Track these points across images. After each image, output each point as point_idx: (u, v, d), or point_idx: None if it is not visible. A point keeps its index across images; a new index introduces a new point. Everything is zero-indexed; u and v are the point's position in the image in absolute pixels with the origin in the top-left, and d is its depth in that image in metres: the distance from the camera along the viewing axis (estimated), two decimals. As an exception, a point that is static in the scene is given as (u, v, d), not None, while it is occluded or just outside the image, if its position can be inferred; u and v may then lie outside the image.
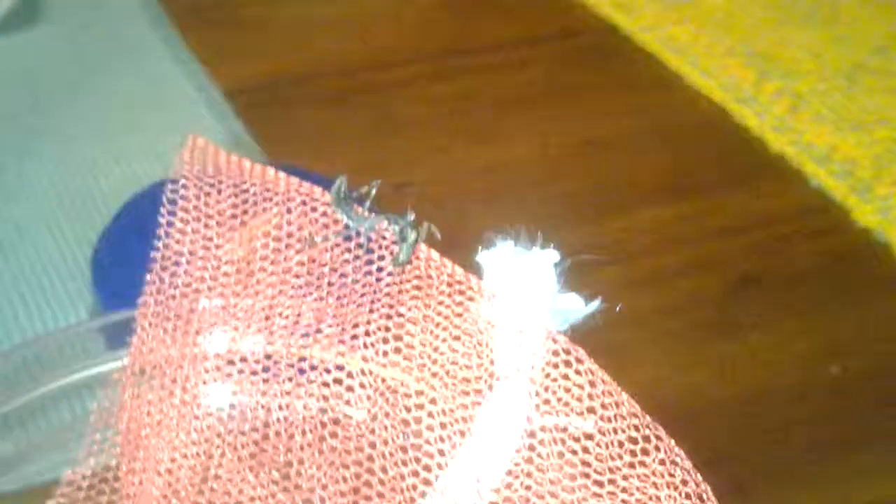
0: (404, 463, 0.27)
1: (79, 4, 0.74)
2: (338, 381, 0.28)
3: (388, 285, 0.27)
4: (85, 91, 0.67)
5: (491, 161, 0.62)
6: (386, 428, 0.27)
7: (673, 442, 0.25)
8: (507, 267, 0.27)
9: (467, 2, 0.77)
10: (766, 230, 0.59)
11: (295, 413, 0.28)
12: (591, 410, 0.25)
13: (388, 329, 0.27)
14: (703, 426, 0.47)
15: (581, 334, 0.27)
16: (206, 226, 0.29)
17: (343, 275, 0.28)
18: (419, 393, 0.27)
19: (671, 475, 0.25)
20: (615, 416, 0.25)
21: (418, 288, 0.27)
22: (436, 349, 0.27)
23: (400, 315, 0.27)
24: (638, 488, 0.25)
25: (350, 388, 0.27)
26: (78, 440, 0.35)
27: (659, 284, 0.55)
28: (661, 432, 0.25)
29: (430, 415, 0.27)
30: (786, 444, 0.47)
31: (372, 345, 0.27)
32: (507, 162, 0.62)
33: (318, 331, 0.28)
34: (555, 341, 0.26)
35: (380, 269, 0.28)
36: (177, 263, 0.29)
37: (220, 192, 0.29)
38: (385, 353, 0.27)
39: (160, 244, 0.29)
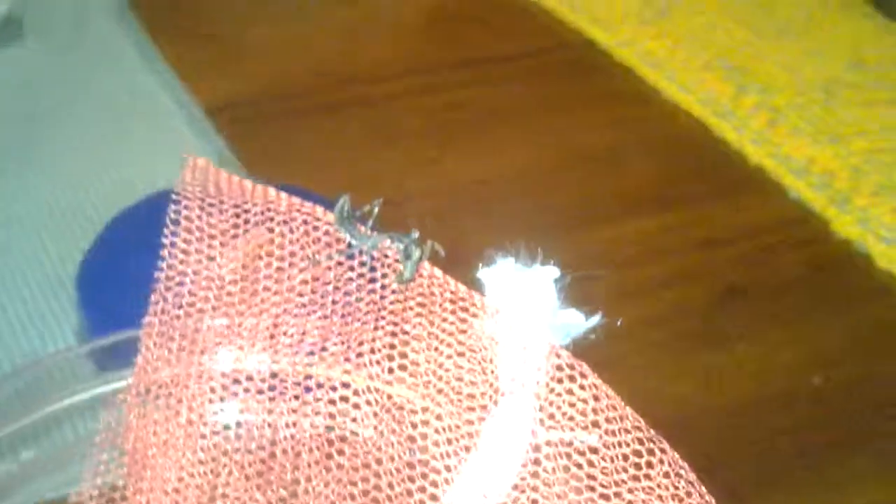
0: (411, 479, 0.27)
1: (60, 23, 0.74)
2: (344, 399, 0.28)
3: (392, 303, 0.28)
4: (66, 109, 0.67)
5: (477, 174, 0.63)
6: (392, 444, 0.27)
7: (677, 455, 0.25)
8: (508, 283, 0.28)
9: (447, 18, 0.78)
10: (749, 241, 0.59)
11: (301, 431, 0.28)
12: (596, 424, 0.26)
13: (392, 346, 0.27)
14: (690, 436, 0.48)
15: (575, 349, 0.28)
16: (210, 245, 0.29)
17: (347, 293, 0.28)
18: (424, 409, 0.27)
19: (675, 487, 0.25)
20: (619, 429, 0.25)
21: (422, 305, 0.27)
22: (440, 366, 0.27)
23: (404, 332, 0.27)
24: (643, 501, 0.25)
25: (356, 406, 0.28)
26: (73, 463, 0.35)
27: (644, 295, 0.55)
28: (665, 445, 0.25)
29: (436, 431, 0.27)
30: (776, 452, 0.48)
31: (377, 362, 0.28)
32: (492, 175, 0.63)
33: (324, 349, 0.28)
34: (558, 356, 0.26)
35: (383, 287, 0.28)
36: (180, 283, 0.29)
37: (222, 211, 0.29)
38: (390, 371, 0.27)
39: (164, 264, 0.29)
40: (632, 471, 0.25)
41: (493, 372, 0.27)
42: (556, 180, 0.63)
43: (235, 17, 0.77)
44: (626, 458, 0.25)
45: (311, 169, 0.60)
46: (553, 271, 0.28)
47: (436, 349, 0.27)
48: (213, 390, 0.28)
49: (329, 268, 0.28)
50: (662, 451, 0.25)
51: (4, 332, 0.52)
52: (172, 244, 0.29)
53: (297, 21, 0.76)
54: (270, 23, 0.76)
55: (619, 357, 0.51)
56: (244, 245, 0.29)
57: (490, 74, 0.72)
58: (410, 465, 0.27)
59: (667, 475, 0.25)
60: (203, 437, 0.28)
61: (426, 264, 0.28)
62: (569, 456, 0.26)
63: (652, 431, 0.25)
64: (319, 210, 0.29)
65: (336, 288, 0.28)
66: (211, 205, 0.29)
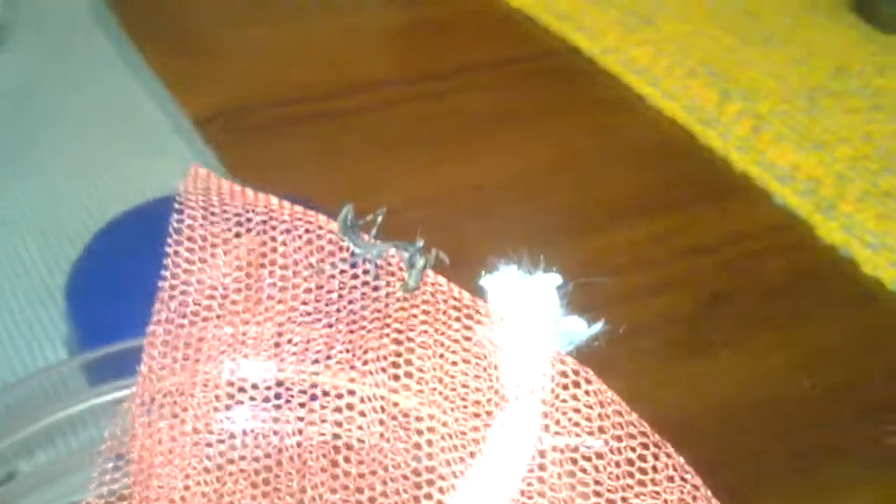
0: (417, 486, 0.27)
1: (44, 32, 0.74)
2: (349, 407, 0.28)
3: (396, 311, 0.28)
4: (52, 118, 0.67)
5: (465, 181, 0.63)
6: (398, 452, 0.27)
7: (682, 459, 0.25)
8: (511, 291, 0.28)
9: (434, 27, 0.78)
10: (735, 248, 0.60)
11: (307, 439, 0.28)
12: (601, 430, 0.26)
13: (397, 354, 0.28)
14: (678, 443, 0.48)
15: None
16: (213, 254, 0.29)
17: (352, 301, 0.28)
18: (430, 416, 0.27)
19: (681, 491, 0.25)
20: (624, 434, 0.26)
21: (426, 313, 0.28)
22: (446, 373, 0.27)
23: (409, 340, 0.28)
24: (649, 505, 0.25)
25: (362, 413, 0.28)
26: (65, 477, 0.35)
27: (631, 303, 0.56)
28: (670, 449, 0.26)
29: (442, 437, 0.27)
30: (767, 455, 0.48)
31: (382, 370, 0.28)
32: (481, 182, 0.63)
33: (329, 357, 0.28)
34: (563, 362, 0.26)
35: (388, 296, 0.28)
36: (184, 292, 0.29)
37: (225, 220, 0.29)
38: (396, 378, 0.28)
39: (167, 273, 0.29)
40: (638, 475, 0.26)
41: (497, 378, 0.27)
42: (543, 188, 0.63)
43: (222, 26, 0.77)
44: (631, 462, 0.26)
45: (303, 177, 0.61)
46: (555, 278, 0.28)
47: (441, 356, 0.27)
48: (218, 398, 0.28)
49: (333, 276, 0.29)
50: (668, 455, 0.25)
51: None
52: (176, 253, 0.29)
53: (285, 32, 0.76)
54: (258, 32, 0.76)
55: (607, 364, 0.52)
56: (240, 251, 0.29)
57: (476, 83, 0.72)
58: (416, 472, 0.27)
59: (671, 479, 0.25)
60: (209, 445, 0.28)
61: (429, 272, 0.28)
62: (574, 461, 0.26)
63: (657, 436, 0.26)
64: (322, 218, 0.29)
65: (341, 296, 0.28)
66: (213, 213, 0.29)
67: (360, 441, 0.28)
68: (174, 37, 0.75)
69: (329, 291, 0.28)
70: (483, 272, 0.28)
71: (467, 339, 0.27)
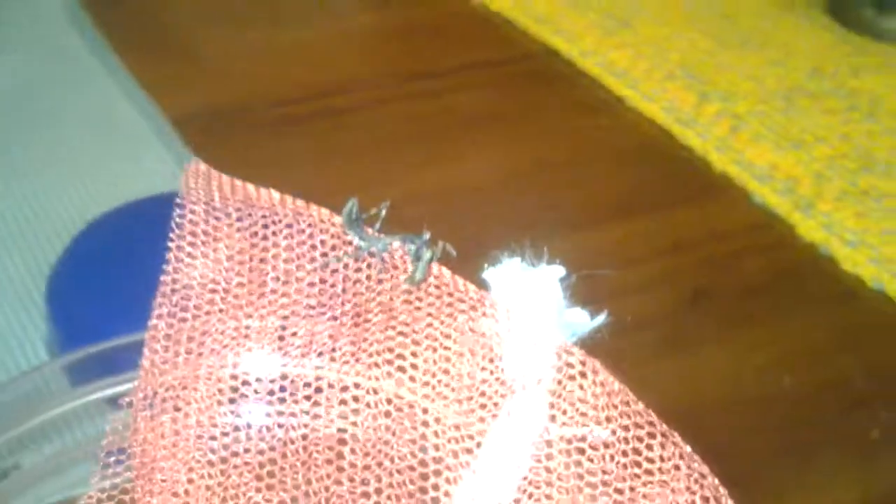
0: (423, 478, 0.27)
1: (22, 38, 0.74)
2: (355, 400, 0.28)
3: (401, 304, 0.28)
4: (32, 121, 0.67)
5: (455, 180, 0.63)
6: (403, 444, 0.28)
7: (689, 448, 0.26)
8: (514, 283, 0.28)
9: (416, 30, 0.78)
10: (716, 247, 0.60)
11: (312, 432, 0.28)
12: (608, 419, 0.26)
13: (403, 347, 0.28)
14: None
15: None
16: (215, 249, 0.29)
17: (356, 294, 0.28)
18: (435, 409, 0.27)
19: (688, 479, 0.26)
20: (631, 424, 0.26)
21: (431, 305, 0.28)
22: (452, 365, 0.27)
23: (415, 333, 0.28)
24: (658, 494, 0.25)
25: (367, 406, 0.28)
26: (53, 476, 0.35)
27: (613, 301, 0.56)
28: (677, 438, 0.26)
29: (447, 429, 0.27)
30: (751, 452, 0.48)
31: (388, 363, 0.28)
32: (470, 181, 0.63)
33: (334, 350, 0.28)
34: (570, 353, 0.27)
35: (393, 289, 0.28)
36: (186, 286, 0.29)
37: (227, 215, 0.29)
38: (401, 371, 0.28)
39: (169, 268, 0.29)
40: (645, 464, 0.26)
41: (502, 370, 0.27)
42: (525, 188, 0.64)
43: (201, 28, 0.77)
44: (638, 451, 0.26)
45: (294, 177, 0.60)
46: (558, 270, 0.29)
47: (446, 348, 0.27)
48: (221, 392, 0.28)
49: (337, 270, 0.29)
50: (675, 444, 0.26)
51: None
52: (178, 248, 0.29)
53: (280, 33, 0.76)
54: (245, 34, 0.76)
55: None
56: (242, 245, 0.29)
57: (463, 84, 0.72)
58: (422, 464, 0.27)
59: (678, 468, 0.26)
60: (213, 438, 0.28)
61: (434, 265, 0.28)
62: (581, 451, 0.26)
63: (664, 426, 0.26)
64: (325, 213, 0.29)
65: (345, 290, 0.28)
66: (216, 208, 0.29)
67: (366, 434, 0.28)
68: (152, 38, 0.74)
69: (333, 285, 0.29)
70: (486, 265, 0.28)
71: (472, 331, 0.27)
